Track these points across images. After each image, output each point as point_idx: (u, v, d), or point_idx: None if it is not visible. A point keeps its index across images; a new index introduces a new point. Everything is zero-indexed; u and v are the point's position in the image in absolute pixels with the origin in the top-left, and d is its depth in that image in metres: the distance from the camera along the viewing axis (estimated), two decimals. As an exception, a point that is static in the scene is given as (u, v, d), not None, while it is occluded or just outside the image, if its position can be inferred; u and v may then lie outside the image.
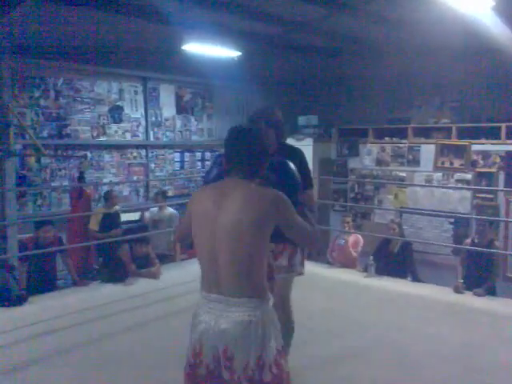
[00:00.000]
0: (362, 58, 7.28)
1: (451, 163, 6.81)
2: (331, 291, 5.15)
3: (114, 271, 5.34)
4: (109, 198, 6.19)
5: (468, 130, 6.74)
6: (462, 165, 6.73)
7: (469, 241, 5.42)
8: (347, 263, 5.96)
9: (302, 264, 3.07)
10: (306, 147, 7.64)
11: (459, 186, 6.72)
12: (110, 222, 5.97)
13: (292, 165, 2.49)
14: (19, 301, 4.49)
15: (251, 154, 2.02)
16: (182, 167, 7.97)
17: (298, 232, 2.05)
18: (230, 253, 1.88)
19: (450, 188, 6.76)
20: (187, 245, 5.38)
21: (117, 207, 6.30)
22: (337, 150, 7.96)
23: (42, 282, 5.06)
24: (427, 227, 6.99)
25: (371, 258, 5.62)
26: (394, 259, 5.74)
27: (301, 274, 3.06)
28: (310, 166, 7.62)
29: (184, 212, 2.74)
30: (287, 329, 2.91)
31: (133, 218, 6.87)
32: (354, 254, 6.01)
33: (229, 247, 1.88)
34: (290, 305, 3.02)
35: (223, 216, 1.90)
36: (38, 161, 6.31)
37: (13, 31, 5.22)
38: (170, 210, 6.80)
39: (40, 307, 4.50)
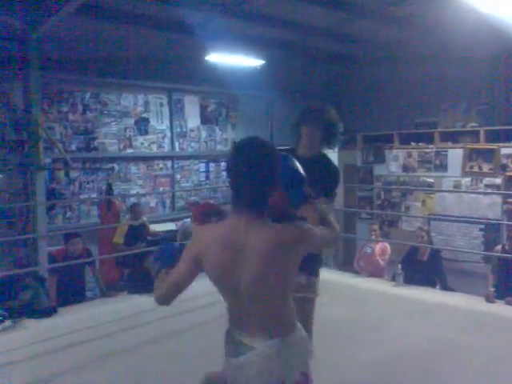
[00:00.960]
0: (386, 63, 7.24)
1: (480, 168, 6.67)
2: (358, 301, 5.09)
3: (141, 283, 5.39)
4: (134, 210, 6.26)
5: (496, 133, 6.61)
6: (491, 169, 6.58)
7: (499, 248, 5.30)
8: (374, 272, 5.89)
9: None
10: (331, 154, 7.59)
11: (489, 190, 6.58)
12: (135, 234, 6.01)
13: (292, 159, 1.97)
14: (49, 312, 4.58)
15: (266, 183, 1.67)
16: (207, 177, 8.01)
17: (319, 245, 2.02)
18: (256, 304, 1.71)
19: (479, 193, 6.62)
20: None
21: (144, 218, 6.34)
22: (362, 157, 7.89)
23: (72, 293, 5.15)
24: (456, 234, 6.85)
25: (399, 266, 5.54)
26: (423, 267, 5.64)
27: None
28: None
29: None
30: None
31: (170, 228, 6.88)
32: (382, 263, 5.93)
33: (255, 301, 1.71)
34: (311, 327, 2.71)
35: (245, 273, 1.67)
36: (67, 174, 6.44)
37: (41, 46, 5.36)
38: None
39: (69, 318, 4.58)
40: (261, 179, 1.65)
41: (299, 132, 2.86)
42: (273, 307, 1.74)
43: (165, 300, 1.87)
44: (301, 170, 1.93)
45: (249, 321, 1.74)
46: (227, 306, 1.80)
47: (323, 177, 2.70)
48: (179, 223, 6.87)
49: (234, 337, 1.78)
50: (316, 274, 2.88)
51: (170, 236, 6.22)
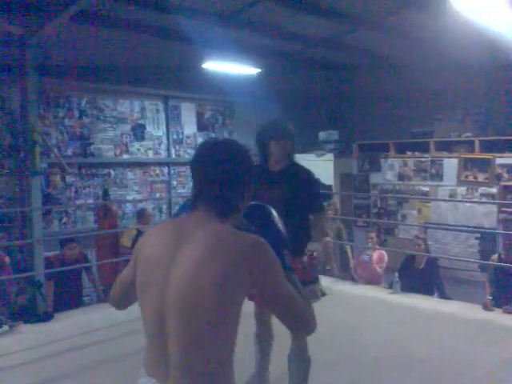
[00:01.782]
0: (383, 72, 7.30)
1: (475, 177, 6.71)
2: (356, 308, 5.08)
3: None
4: (142, 216, 6.21)
5: (491, 144, 6.66)
6: (486, 179, 6.63)
7: (495, 257, 5.32)
8: (372, 280, 5.89)
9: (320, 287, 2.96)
10: (327, 163, 7.66)
11: (484, 200, 6.62)
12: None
13: (277, 217, 1.67)
14: (46, 317, 4.54)
15: (229, 180, 1.43)
16: (203, 184, 7.99)
17: (287, 305, 1.41)
18: (182, 322, 1.32)
19: (475, 202, 6.66)
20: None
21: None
22: (358, 165, 7.92)
23: (68, 298, 5.12)
24: (452, 243, 6.88)
25: (396, 274, 5.54)
26: (420, 275, 5.65)
27: (323, 294, 2.94)
28: (331, 181, 7.65)
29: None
30: (304, 362, 2.81)
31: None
32: (379, 270, 5.94)
33: (181, 313, 1.31)
34: (305, 337, 2.80)
35: (178, 268, 1.33)
36: (63, 179, 6.41)
37: (38, 51, 5.34)
38: None
39: (66, 324, 4.53)
40: (223, 178, 1.43)
41: (267, 148, 2.89)
42: (205, 341, 1.32)
43: (115, 303, 1.65)
44: (284, 234, 1.63)
45: (172, 363, 1.34)
46: (146, 338, 1.45)
47: (305, 188, 2.83)
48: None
49: None
50: (314, 282, 2.91)
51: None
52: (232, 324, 1.36)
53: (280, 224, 1.64)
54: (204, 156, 1.47)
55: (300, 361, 2.83)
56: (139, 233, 6.09)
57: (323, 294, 2.97)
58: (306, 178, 2.93)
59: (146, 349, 1.44)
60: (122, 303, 1.64)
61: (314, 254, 2.71)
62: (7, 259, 4.88)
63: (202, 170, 1.45)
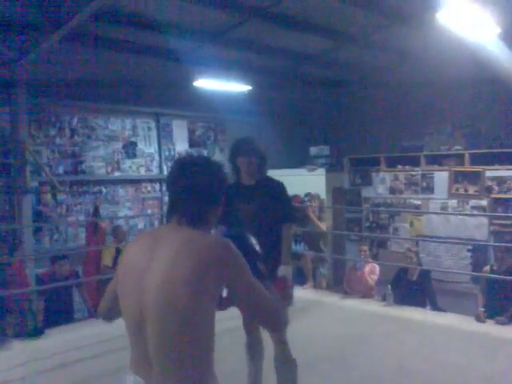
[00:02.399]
0: (372, 88, 7.38)
1: (466, 190, 6.76)
2: (349, 321, 5.05)
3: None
4: (116, 233, 6.20)
5: (481, 157, 6.72)
6: (476, 191, 6.67)
7: (487, 268, 5.33)
8: (364, 292, 5.87)
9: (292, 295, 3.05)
10: (319, 177, 7.69)
11: (475, 212, 6.65)
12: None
13: (252, 238, 1.74)
14: (36, 333, 4.50)
15: (199, 195, 1.52)
16: (195, 200, 8.00)
17: (257, 302, 1.48)
18: (159, 331, 1.38)
19: (466, 215, 6.69)
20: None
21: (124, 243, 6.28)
22: (349, 180, 7.95)
23: (59, 314, 5.07)
24: (445, 255, 6.89)
25: (389, 286, 5.53)
26: (413, 288, 5.63)
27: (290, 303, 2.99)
28: (323, 195, 7.71)
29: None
30: (290, 365, 2.87)
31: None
32: (371, 282, 5.92)
33: (158, 312, 1.38)
34: (285, 338, 2.89)
35: (153, 270, 1.41)
36: (54, 197, 6.40)
37: (29, 71, 5.38)
38: None
39: (56, 340, 4.49)
40: (192, 192, 1.53)
41: (237, 164, 3.08)
42: (180, 340, 1.38)
43: (104, 316, 1.71)
44: (256, 246, 1.71)
45: (153, 364, 1.41)
46: (129, 338, 1.51)
47: (278, 198, 3.02)
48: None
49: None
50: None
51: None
52: (206, 322, 1.41)
53: (252, 241, 1.70)
54: (176, 172, 1.59)
55: (286, 365, 2.88)
56: (118, 250, 5.99)
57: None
58: (278, 189, 3.08)
59: (131, 349, 1.50)
60: (109, 315, 1.70)
61: (287, 281, 2.90)
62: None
63: (174, 184, 1.57)
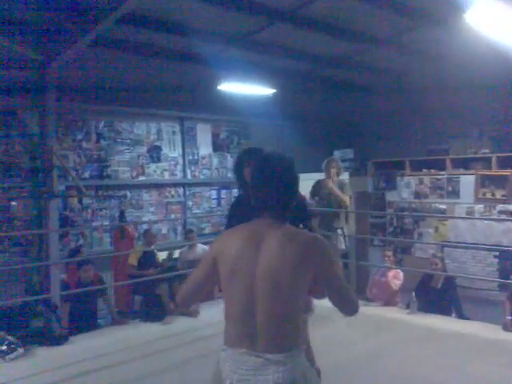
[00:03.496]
0: (397, 90, 7.28)
1: (493, 194, 6.62)
2: (372, 330, 4.99)
3: (153, 310, 5.37)
4: (146, 236, 6.28)
5: (508, 160, 6.57)
6: (504, 195, 6.53)
7: (515, 275, 5.21)
8: (388, 300, 5.80)
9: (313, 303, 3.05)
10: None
11: (503, 217, 6.51)
12: (147, 260, 6.02)
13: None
14: (60, 340, 4.57)
15: (289, 191, 1.83)
16: (218, 204, 8.05)
17: (339, 289, 1.81)
18: (269, 304, 1.71)
19: (493, 220, 6.55)
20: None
21: (152, 247, 6.35)
22: (373, 184, 7.88)
23: (84, 320, 5.14)
24: (470, 261, 6.76)
25: (413, 294, 5.46)
26: (438, 295, 5.55)
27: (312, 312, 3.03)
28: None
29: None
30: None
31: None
32: (395, 288, 5.83)
33: (270, 297, 1.71)
34: (309, 346, 2.93)
35: (263, 261, 1.73)
36: (80, 201, 6.50)
37: (58, 76, 5.48)
38: (202, 246, 6.70)
39: (80, 346, 4.56)
40: (283, 187, 1.82)
41: (243, 176, 3.03)
42: (287, 318, 1.72)
43: (184, 299, 2.00)
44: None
45: (261, 337, 1.71)
46: (230, 325, 1.80)
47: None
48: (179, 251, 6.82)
49: (240, 358, 1.72)
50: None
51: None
52: (302, 296, 1.80)
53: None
54: (265, 173, 1.84)
55: None
56: (144, 253, 6.10)
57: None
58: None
59: (230, 328, 1.79)
60: (190, 300, 2.05)
61: None
62: None
63: (268, 182, 1.82)
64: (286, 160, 1.88)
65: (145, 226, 6.98)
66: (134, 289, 5.99)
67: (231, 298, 1.79)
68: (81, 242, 6.46)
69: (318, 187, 5.87)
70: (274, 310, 1.71)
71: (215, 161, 8.05)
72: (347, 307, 1.86)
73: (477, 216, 6.72)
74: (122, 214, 6.53)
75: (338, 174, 5.97)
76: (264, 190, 1.82)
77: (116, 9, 4.17)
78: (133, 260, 6.06)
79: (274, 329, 1.71)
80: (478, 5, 3.95)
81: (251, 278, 1.72)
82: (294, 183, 1.86)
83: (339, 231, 5.91)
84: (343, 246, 6.03)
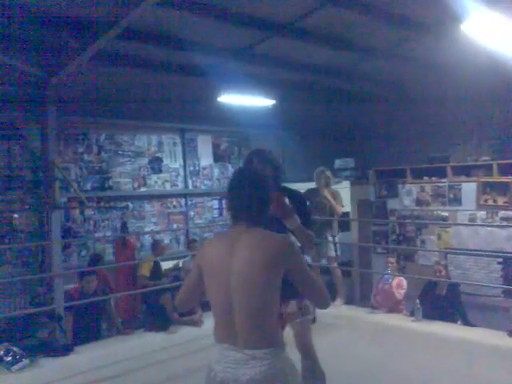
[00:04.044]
0: (397, 100, 7.32)
1: (494, 201, 6.62)
2: (377, 337, 4.98)
3: (157, 319, 5.35)
4: (156, 247, 6.28)
5: (510, 167, 6.59)
6: (505, 202, 6.53)
7: (520, 281, 5.20)
8: (392, 307, 5.78)
9: (314, 310, 3.01)
10: (344, 190, 7.64)
11: (505, 223, 6.51)
12: (156, 270, 6.05)
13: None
14: (65, 351, 4.55)
15: (261, 199, 2.01)
16: (220, 214, 8.06)
17: (309, 283, 1.99)
18: (245, 302, 1.86)
19: (495, 226, 6.55)
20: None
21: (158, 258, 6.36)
22: (375, 192, 7.88)
23: (88, 331, 5.12)
24: (474, 268, 6.74)
25: (418, 301, 5.44)
26: (442, 302, 5.53)
27: (314, 320, 3.00)
28: (349, 208, 7.62)
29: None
30: (317, 376, 2.87)
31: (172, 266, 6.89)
32: (398, 296, 5.82)
33: (244, 297, 1.85)
34: (313, 350, 2.94)
35: (236, 263, 1.88)
36: (82, 213, 6.51)
37: (58, 90, 5.51)
38: None
39: (85, 357, 4.54)
40: (257, 196, 2.00)
41: None
42: (262, 314, 1.86)
43: (181, 305, 2.23)
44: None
45: (239, 334, 1.86)
46: (215, 317, 1.97)
47: (297, 208, 2.85)
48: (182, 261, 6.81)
49: (226, 354, 1.88)
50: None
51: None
52: (276, 295, 1.91)
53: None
54: (243, 182, 2.02)
55: (315, 377, 2.86)
56: (155, 263, 6.16)
57: (314, 320, 3.02)
58: (296, 199, 2.99)
59: (216, 326, 1.97)
60: (187, 303, 2.27)
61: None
62: None
63: (242, 192, 1.99)
64: (257, 173, 2.13)
65: (146, 237, 6.98)
66: (144, 299, 5.99)
67: (212, 300, 1.97)
68: (83, 253, 6.46)
69: (309, 195, 5.92)
70: (248, 309, 1.85)
71: (216, 171, 8.07)
72: (320, 300, 2.06)
73: (479, 223, 6.71)
74: (123, 225, 6.54)
75: (328, 184, 6.33)
76: (238, 198, 2.00)
77: (116, 24, 4.21)
78: (145, 271, 6.06)
79: (250, 326, 1.86)
80: (474, 15, 4.00)
81: (227, 280, 1.87)
82: (265, 192, 2.03)
83: (330, 239, 6.06)
84: (333, 254, 6.19)
